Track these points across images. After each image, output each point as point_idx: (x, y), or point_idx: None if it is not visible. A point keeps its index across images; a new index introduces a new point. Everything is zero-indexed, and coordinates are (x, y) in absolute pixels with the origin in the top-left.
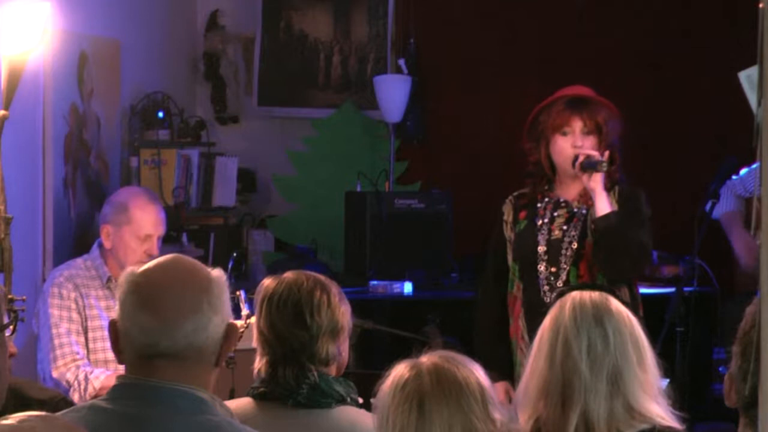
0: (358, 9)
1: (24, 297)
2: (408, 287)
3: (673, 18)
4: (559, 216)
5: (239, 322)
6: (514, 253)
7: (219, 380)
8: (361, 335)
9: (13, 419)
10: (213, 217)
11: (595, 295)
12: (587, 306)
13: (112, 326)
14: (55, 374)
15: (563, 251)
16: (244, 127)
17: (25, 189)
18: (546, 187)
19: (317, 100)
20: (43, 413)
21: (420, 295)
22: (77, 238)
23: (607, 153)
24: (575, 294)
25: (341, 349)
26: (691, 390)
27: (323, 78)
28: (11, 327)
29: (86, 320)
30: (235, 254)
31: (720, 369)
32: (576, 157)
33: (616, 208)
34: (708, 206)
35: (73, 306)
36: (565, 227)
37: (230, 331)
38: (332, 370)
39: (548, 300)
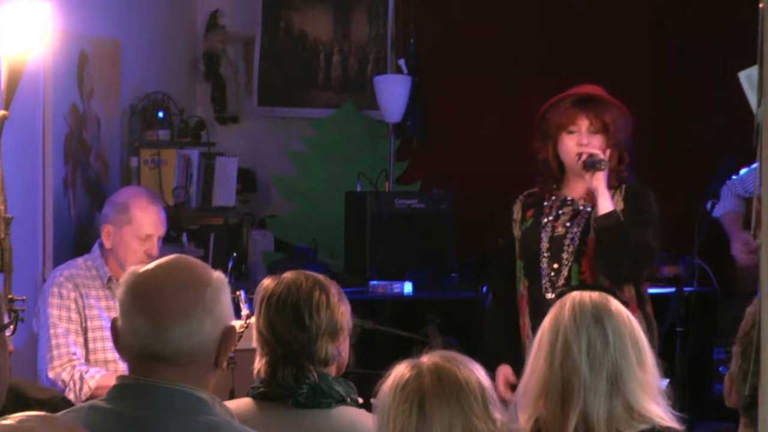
0: (358, 9)
1: (24, 297)
2: (408, 287)
3: (673, 18)
4: (564, 214)
5: (239, 323)
6: (519, 250)
7: (219, 380)
8: (361, 335)
9: (13, 419)
10: (213, 217)
11: (595, 295)
12: (587, 306)
13: (114, 325)
14: (51, 375)
15: (565, 248)
16: (244, 127)
17: (25, 189)
18: (554, 186)
19: (317, 100)
20: (42, 413)
21: (420, 295)
22: (77, 238)
23: (608, 152)
24: (575, 294)
25: (341, 349)
26: (691, 390)
27: (323, 78)
28: (11, 327)
29: (86, 320)
30: (235, 254)
31: (720, 369)
32: (580, 156)
33: (621, 206)
34: (708, 206)
35: (73, 306)
36: (568, 224)
37: (227, 335)
38: (332, 370)
39: (549, 296)
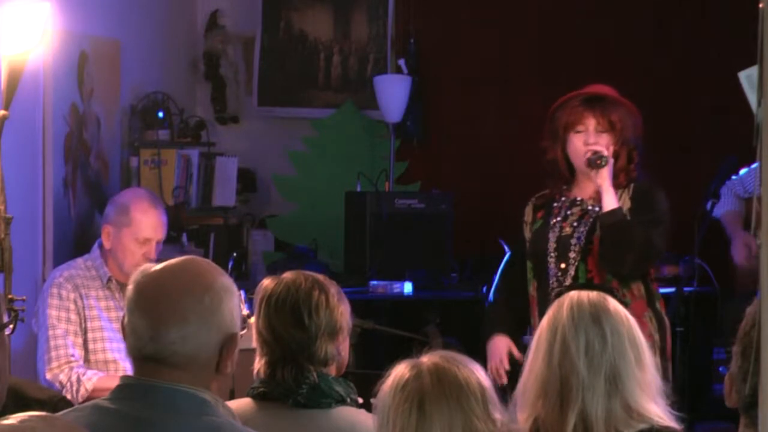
0: (358, 9)
1: (24, 297)
2: (408, 287)
3: (673, 18)
4: (572, 214)
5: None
6: (528, 251)
7: (219, 381)
8: (361, 335)
9: (13, 419)
10: (213, 217)
11: (593, 295)
12: (585, 305)
13: (122, 323)
14: (48, 376)
15: (572, 247)
16: (244, 127)
17: (25, 189)
18: (564, 187)
19: (317, 100)
20: (43, 413)
21: (420, 295)
22: (77, 238)
23: (611, 149)
24: (573, 294)
25: (340, 349)
26: (691, 390)
27: (323, 78)
28: (11, 326)
29: (85, 320)
30: (235, 254)
31: (720, 369)
32: (586, 154)
33: (628, 205)
34: (708, 206)
35: (72, 306)
36: (575, 224)
37: (228, 342)
38: (332, 370)
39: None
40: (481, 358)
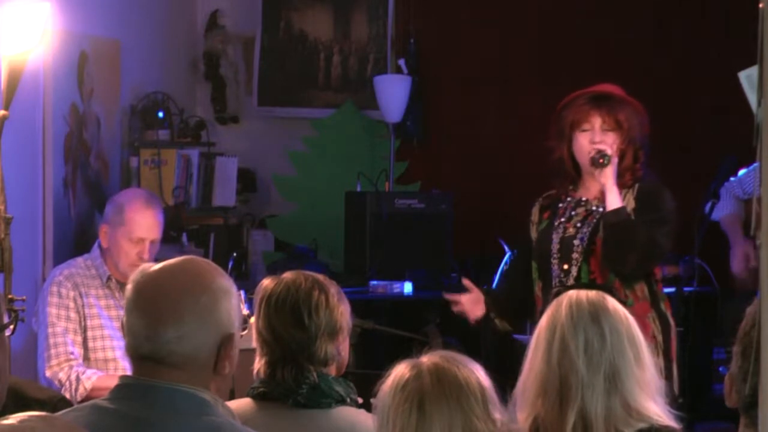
0: (358, 9)
1: (24, 297)
2: (408, 287)
3: (673, 18)
4: (577, 215)
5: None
6: (533, 252)
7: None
8: (361, 335)
9: (13, 419)
10: (213, 217)
11: (592, 293)
12: (584, 304)
13: (122, 322)
14: (48, 373)
15: (575, 248)
16: (244, 127)
17: (25, 189)
18: (571, 187)
19: (317, 100)
20: (43, 413)
21: (420, 295)
22: (77, 238)
23: (615, 148)
24: (572, 293)
25: (340, 349)
26: (691, 390)
27: (323, 78)
28: (11, 327)
29: (85, 319)
30: (235, 254)
31: (720, 369)
32: (590, 153)
33: (632, 205)
34: (708, 206)
35: (72, 305)
36: (579, 225)
37: (225, 342)
38: (332, 370)
39: None
40: (481, 358)
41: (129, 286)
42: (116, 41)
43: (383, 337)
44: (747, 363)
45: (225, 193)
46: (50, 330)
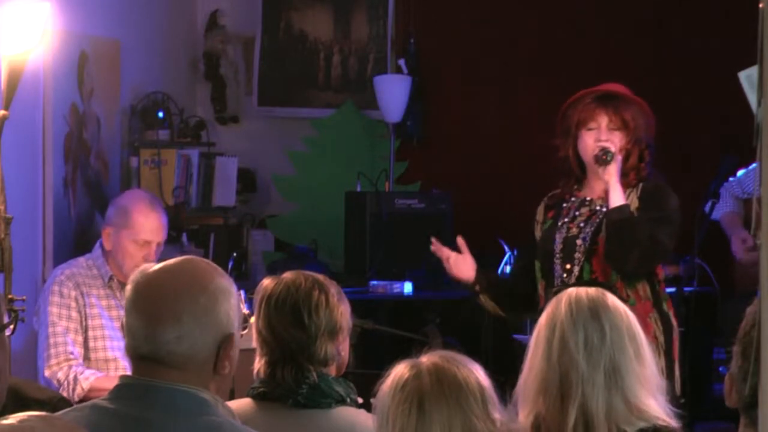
0: (358, 9)
1: (24, 297)
2: (408, 287)
3: (674, 18)
4: (580, 215)
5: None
6: (537, 252)
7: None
8: (361, 335)
9: (13, 419)
10: (213, 217)
11: (592, 290)
12: (583, 301)
13: (122, 323)
14: (47, 373)
15: (577, 247)
16: (244, 127)
17: (25, 189)
18: (575, 187)
19: (317, 100)
20: (43, 413)
21: (420, 295)
22: (77, 238)
23: (620, 146)
24: (571, 290)
25: (340, 349)
26: (691, 390)
27: (323, 78)
28: (11, 327)
29: (86, 319)
30: (235, 254)
31: (720, 369)
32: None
33: (635, 204)
34: (708, 206)
35: (73, 304)
36: (582, 224)
37: (225, 342)
38: (332, 370)
39: None
40: (481, 358)
41: (128, 287)
42: (116, 41)
43: (383, 337)
44: (747, 363)
45: (225, 193)
46: (51, 329)
